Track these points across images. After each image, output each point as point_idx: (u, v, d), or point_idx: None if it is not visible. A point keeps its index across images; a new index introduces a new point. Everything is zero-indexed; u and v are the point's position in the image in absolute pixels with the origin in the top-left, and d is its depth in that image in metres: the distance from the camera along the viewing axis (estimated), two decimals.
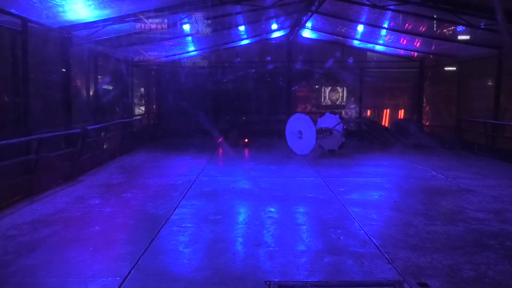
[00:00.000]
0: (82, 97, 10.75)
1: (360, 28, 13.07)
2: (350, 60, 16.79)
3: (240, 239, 5.10)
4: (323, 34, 15.21)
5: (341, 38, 15.24)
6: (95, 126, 10.57)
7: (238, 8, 10.57)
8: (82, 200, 6.94)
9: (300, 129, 11.83)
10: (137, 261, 4.36)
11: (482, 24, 10.10)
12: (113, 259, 4.43)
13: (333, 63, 16.99)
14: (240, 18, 11.91)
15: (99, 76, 11.66)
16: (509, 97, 12.07)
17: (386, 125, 17.73)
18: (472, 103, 14.14)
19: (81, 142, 8.98)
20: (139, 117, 15.77)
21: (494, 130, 12.29)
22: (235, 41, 15.69)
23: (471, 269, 4.20)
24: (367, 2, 9.72)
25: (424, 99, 17.19)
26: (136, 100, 15.80)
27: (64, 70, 9.25)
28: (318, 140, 11.83)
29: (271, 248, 4.78)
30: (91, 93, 11.15)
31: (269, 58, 17.39)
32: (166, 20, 9.50)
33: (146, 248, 4.73)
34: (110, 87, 13.10)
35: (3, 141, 6.39)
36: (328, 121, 12.38)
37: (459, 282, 3.92)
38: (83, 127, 9.10)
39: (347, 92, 18.38)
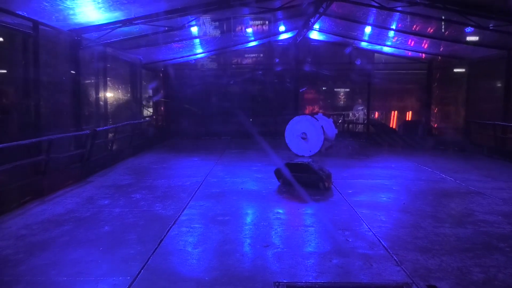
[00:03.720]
0: (91, 98, 10.86)
1: (368, 29, 13.05)
2: (358, 61, 16.77)
3: (248, 240, 5.12)
4: (331, 35, 15.21)
5: (349, 39, 15.23)
6: (104, 127, 10.67)
7: (246, 10, 10.62)
8: (91, 200, 7.01)
9: (304, 131, 11.85)
10: (147, 261, 4.40)
11: (491, 25, 10.04)
12: (123, 259, 4.47)
13: (340, 65, 16.97)
14: (248, 20, 11.95)
15: (108, 78, 11.77)
16: None
17: (394, 127, 17.66)
18: (481, 105, 14.02)
19: (90, 143, 9.07)
20: (147, 118, 15.87)
21: (503, 132, 12.17)
22: (243, 43, 15.75)
23: (481, 272, 4.17)
24: (375, 4, 9.71)
25: (433, 101, 17.10)
26: (144, 102, 15.91)
27: (73, 72, 9.36)
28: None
29: (279, 249, 4.80)
30: (100, 95, 11.26)
31: (277, 60, 17.42)
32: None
33: (156, 249, 4.77)
34: (119, 89, 13.22)
35: (14, 142, 6.48)
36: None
37: (468, 285, 3.90)
38: (92, 129, 9.19)
39: (355, 94, 18.35)
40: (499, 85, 13.06)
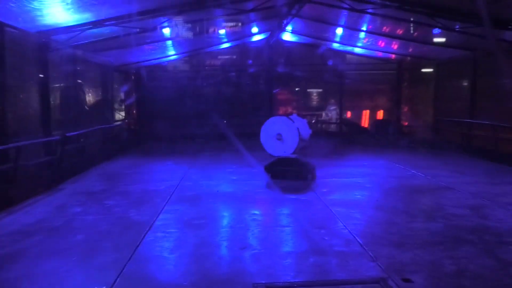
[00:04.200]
0: (61, 103, 10.54)
1: (340, 31, 13.27)
2: (330, 62, 17.00)
3: (225, 243, 5.10)
4: (304, 37, 15.38)
5: (321, 41, 15.44)
6: (75, 132, 10.36)
7: (219, 11, 10.59)
8: (63, 209, 6.80)
9: (279, 132, 11.85)
10: (123, 269, 4.31)
11: (457, 26, 10.40)
12: (98, 268, 4.36)
13: (313, 66, 17.18)
14: (221, 21, 11.93)
15: (78, 81, 11.46)
16: (483, 98, 12.45)
17: (366, 126, 18.02)
18: (449, 104, 14.53)
19: (60, 149, 8.81)
20: (120, 122, 15.55)
21: (469, 129, 12.66)
22: (216, 45, 15.68)
23: (453, 264, 4.32)
24: (346, 6, 9.89)
25: (403, 100, 17.58)
26: (117, 105, 15.59)
27: (42, 75, 9.06)
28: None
29: (256, 251, 4.80)
30: (70, 99, 10.94)
31: (250, 61, 17.45)
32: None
33: (131, 255, 4.68)
34: (90, 92, 12.90)
35: None
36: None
37: (441, 277, 4.03)
38: (62, 134, 8.92)
39: (328, 94, 18.61)
40: (466, 84, 13.57)
